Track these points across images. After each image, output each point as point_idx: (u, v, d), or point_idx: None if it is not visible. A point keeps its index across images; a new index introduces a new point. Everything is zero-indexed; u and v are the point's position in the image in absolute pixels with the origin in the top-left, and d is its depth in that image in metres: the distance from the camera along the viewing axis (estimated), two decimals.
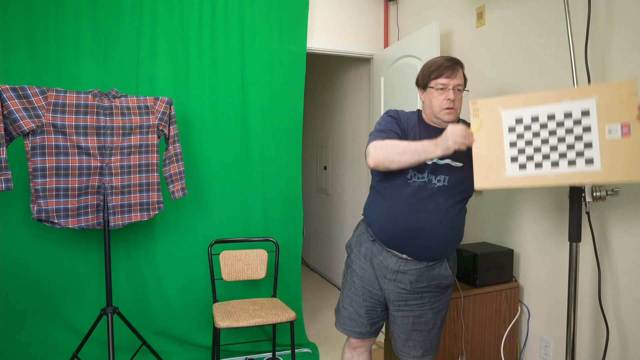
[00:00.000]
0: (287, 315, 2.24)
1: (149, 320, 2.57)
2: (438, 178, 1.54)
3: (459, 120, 1.65)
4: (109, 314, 2.11)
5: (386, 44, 3.24)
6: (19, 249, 2.30)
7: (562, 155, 1.25)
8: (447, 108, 1.53)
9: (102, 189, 2.10)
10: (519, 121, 1.30)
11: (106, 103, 2.10)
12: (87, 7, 2.37)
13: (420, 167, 1.55)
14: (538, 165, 1.28)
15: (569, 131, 1.24)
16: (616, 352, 1.75)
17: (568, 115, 1.24)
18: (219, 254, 2.50)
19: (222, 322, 2.13)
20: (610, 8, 1.73)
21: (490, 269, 2.08)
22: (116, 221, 2.14)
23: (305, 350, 2.77)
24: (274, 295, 2.57)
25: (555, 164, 1.26)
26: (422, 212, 1.52)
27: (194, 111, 2.61)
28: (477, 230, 2.47)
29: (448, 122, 1.56)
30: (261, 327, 2.76)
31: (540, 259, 2.09)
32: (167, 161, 2.29)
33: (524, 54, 2.14)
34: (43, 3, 2.28)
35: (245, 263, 2.55)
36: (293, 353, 2.28)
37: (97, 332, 2.37)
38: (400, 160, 1.42)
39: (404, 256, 1.59)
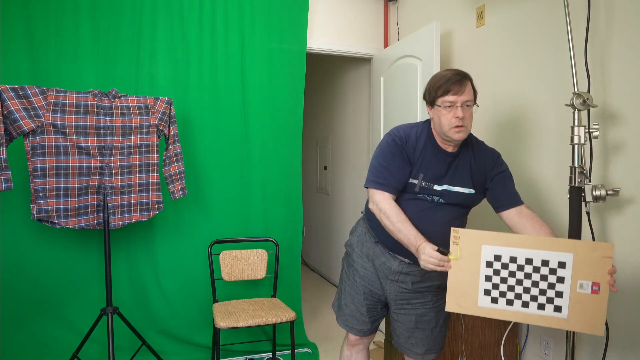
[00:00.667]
0: (287, 315, 2.24)
1: (149, 320, 2.57)
2: (448, 200, 1.56)
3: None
4: (109, 314, 2.11)
5: (386, 44, 3.24)
6: (19, 249, 2.30)
7: (534, 299, 1.32)
8: (457, 126, 1.46)
9: (102, 189, 2.10)
10: (497, 258, 1.34)
11: (106, 103, 2.10)
12: (87, 7, 2.37)
13: (432, 191, 1.54)
14: (509, 302, 1.34)
15: (544, 278, 1.31)
16: (616, 352, 1.75)
17: (545, 263, 1.31)
18: (219, 254, 2.50)
19: (222, 322, 2.13)
20: (610, 8, 1.73)
21: None
22: (116, 221, 2.14)
23: (305, 350, 2.77)
24: (274, 295, 2.57)
25: (525, 305, 1.33)
26: (428, 223, 1.52)
27: (194, 111, 2.61)
28: (476, 230, 2.46)
29: (459, 141, 1.51)
30: (261, 327, 2.76)
31: None
32: (167, 161, 2.29)
33: (524, 54, 2.14)
34: (43, 3, 2.28)
35: (245, 263, 2.54)
36: (293, 353, 2.28)
37: (97, 332, 2.37)
38: (389, 232, 1.51)
39: (407, 260, 1.60)
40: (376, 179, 1.54)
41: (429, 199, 1.55)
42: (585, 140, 1.59)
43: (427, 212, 1.54)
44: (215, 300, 2.45)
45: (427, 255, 1.36)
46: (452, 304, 1.37)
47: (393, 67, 2.88)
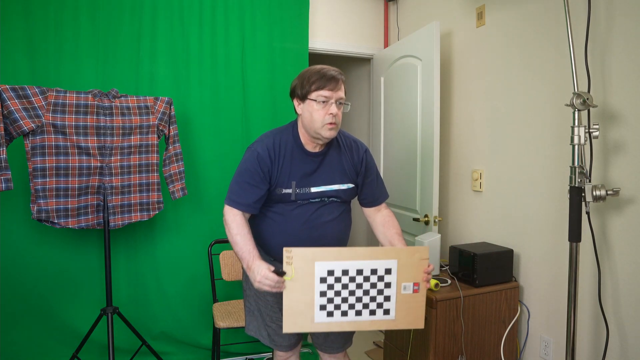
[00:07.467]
0: None
1: (149, 320, 2.57)
2: (330, 199, 1.56)
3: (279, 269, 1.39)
4: (109, 314, 2.11)
5: (386, 44, 3.24)
6: (18, 249, 2.30)
7: (365, 306, 1.42)
8: (330, 123, 1.43)
9: (102, 189, 2.10)
10: (330, 272, 1.38)
11: (106, 103, 2.10)
12: (87, 7, 2.37)
13: (310, 195, 1.53)
14: (344, 313, 1.41)
15: (374, 285, 1.41)
16: (616, 352, 1.75)
17: (374, 271, 1.40)
18: (219, 254, 2.50)
19: (222, 322, 2.13)
20: (610, 8, 1.73)
21: (490, 269, 2.08)
22: (116, 221, 2.14)
23: (305, 350, 2.77)
24: None
25: (359, 313, 1.42)
26: (315, 227, 1.53)
27: (194, 111, 2.60)
28: (477, 230, 2.47)
29: (329, 139, 1.48)
30: None
31: (540, 259, 2.09)
32: (167, 161, 2.29)
33: (524, 54, 2.14)
34: (43, 3, 2.28)
35: None
36: None
37: (97, 332, 2.37)
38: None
39: None
40: (230, 196, 1.52)
41: (312, 201, 1.54)
42: (585, 140, 1.59)
43: (312, 216, 1.53)
44: (215, 300, 2.45)
45: (263, 276, 1.33)
46: (290, 324, 1.39)
47: (393, 67, 2.88)
